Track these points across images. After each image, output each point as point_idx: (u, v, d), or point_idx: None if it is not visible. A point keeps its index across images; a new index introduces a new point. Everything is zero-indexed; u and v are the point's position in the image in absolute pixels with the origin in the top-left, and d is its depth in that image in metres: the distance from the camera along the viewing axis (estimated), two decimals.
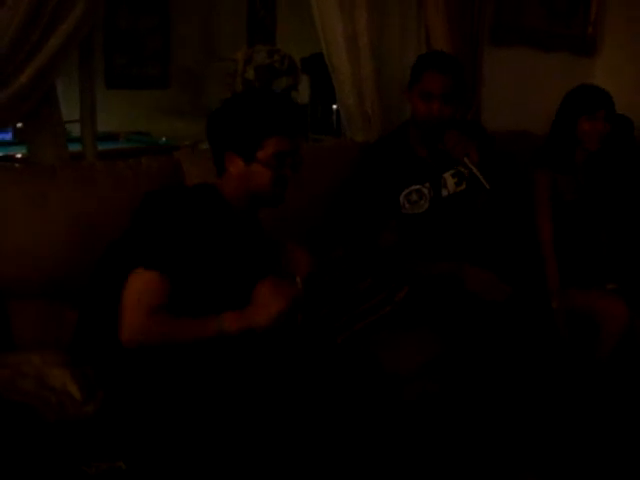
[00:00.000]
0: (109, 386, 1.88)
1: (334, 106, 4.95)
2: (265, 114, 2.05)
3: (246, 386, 1.90)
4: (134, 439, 1.74)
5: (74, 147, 3.00)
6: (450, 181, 2.82)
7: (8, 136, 4.83)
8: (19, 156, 4.05)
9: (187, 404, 1.85)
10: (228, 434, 1.81)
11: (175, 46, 7.28)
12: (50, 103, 2.68)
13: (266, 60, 3.91)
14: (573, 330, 2.71)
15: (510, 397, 2.47)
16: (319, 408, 1.92)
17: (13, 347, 2.09)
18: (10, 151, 4.23)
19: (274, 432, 1.84)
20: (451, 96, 2.72)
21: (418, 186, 2.78)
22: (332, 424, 1.93)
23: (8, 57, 2.40)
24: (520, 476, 2.45)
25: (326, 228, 2.97)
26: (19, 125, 2.94)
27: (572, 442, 2.54)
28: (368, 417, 2.03)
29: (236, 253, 2.03)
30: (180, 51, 7.25)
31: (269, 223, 2.79)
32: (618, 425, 2.65)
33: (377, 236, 2.77)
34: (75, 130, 3.43)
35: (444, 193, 2.81)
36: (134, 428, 1.77)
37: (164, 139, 5.88)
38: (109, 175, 2.57)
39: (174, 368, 1.89)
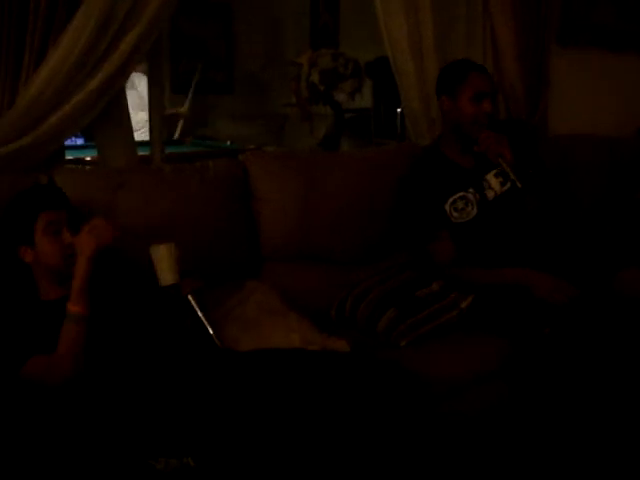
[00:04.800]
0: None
1: (398, 110, 4.93)
2: None
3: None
4: (203, 436, 1.76)
5: (142, 151, 3.05)
6: (494, 181, 2.78)
7: (80, 141, 4.95)
8: (88, 159, 4.14)
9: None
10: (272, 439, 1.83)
11: (239, 51, 7.37)
12: (119, 107, 2.73)
13: (330, 64, 3.93)
14: None
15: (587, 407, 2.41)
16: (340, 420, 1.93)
17: None
18: (80, 154, 4.32)
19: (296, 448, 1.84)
20: (496, 95, 2.77)
21: (461, 193, 2.76)
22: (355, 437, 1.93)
23: (80, 63, 2.46)
24: None
25: (389, 232, 2.96)
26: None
27: None
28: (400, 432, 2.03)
29: None
30: (244, 56, 7.33)
31: (332, 225, 2.83)
32: None
33: (430, 250, 2.75)
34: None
35: (490, 195, 2.78)
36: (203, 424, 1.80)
37: (229, 143, 5.94)
38: (177, 178, 2.60)
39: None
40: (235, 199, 2.72)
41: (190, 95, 6.23)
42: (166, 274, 2.14)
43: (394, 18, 3.20)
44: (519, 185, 2.62)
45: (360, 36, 5.66)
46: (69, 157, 3.58)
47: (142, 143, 3.18)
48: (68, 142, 3.53)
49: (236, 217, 2.71)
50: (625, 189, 3.45)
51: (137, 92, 5.16)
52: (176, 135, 5.98)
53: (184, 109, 6.11)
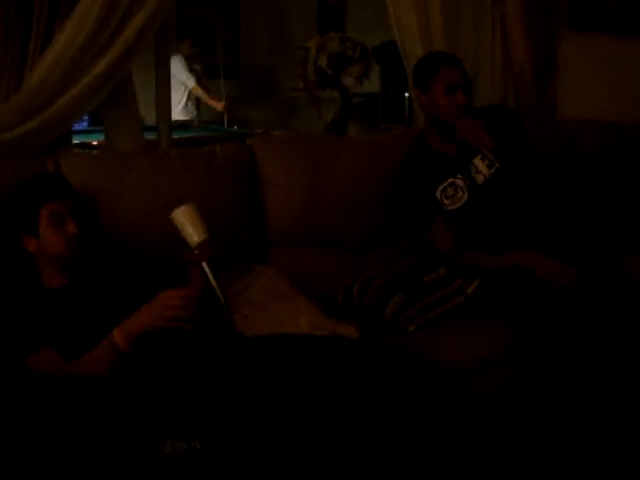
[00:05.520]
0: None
1: (406, 94, 4.90)
2: None
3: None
4: (210, 420, 1.76)
5: (149, 135, 3.04)
6: (481, 165, 2.78)
7: (84, 125, 4.95)
8: (95, 143, 4.14)
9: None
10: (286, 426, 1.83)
11: (245, 36, 7.34)
12: (126, 91, 2.72)
13: (338, 48, 3.90)
14: None
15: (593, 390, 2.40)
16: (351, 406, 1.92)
17: None
18: (87, 139, 4.31)
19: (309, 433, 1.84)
20: (469, 85, 2.78)
21: (450, 179, 2.76)
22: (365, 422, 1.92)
23: (87, 46, 2.45)
24: None
25: (394, 218, 2.96)
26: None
27: None
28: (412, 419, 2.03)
29: None
30: (250, 40, 7.31)
31: (339, 209, 2.82)
32: None
33: (428, 237, 2.75)
34: (149, 118, 3.50)
35: (479, 179, 2.78)
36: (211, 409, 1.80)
37: (236, 127, 5.94)
38: (184, 163, 2.60)
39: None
40: (242, 183, 2.71)
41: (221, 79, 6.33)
42: (192, 235, 2.09)
43: (403, 2, 3.18)
44: (497, 165, 2.66)
45: (367, 20, 5.64)
46: (76, 141, 3.58)
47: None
48: (75, 126, 3.54)
49: (243, 201, 2.71)
50: (631, 174, 3.44)
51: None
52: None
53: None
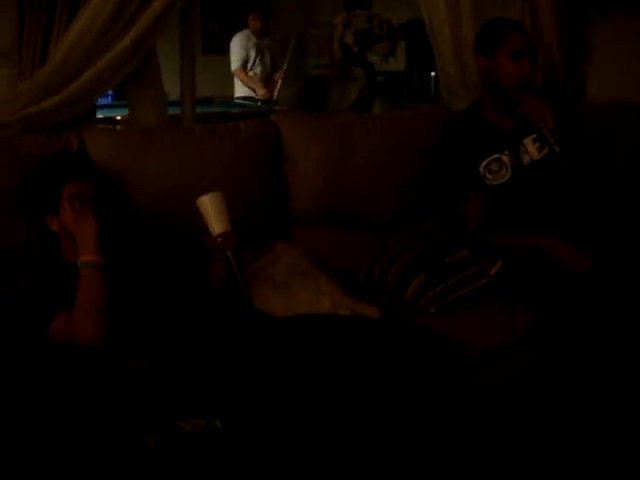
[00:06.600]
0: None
1: (432, 73, 4.85)
2: None
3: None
4: (231, 398, 1.77)
5: (173, 110, 3.03)
6: (531, 147, 2.73)
7: (107, 100, 4.95)
8: (119, 118, 4.14)
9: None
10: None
11: (272, 11, 7.29)
12: (151, 66, 2.71)
13: (365, 25, 3.87)
14: None
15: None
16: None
17: None
18: (110, 113, 4.31)
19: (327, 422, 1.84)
20: (536, 52, 2.72)
21: (497, 155, 2.72)
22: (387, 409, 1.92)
23: (112, 20, 2.43)
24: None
25: (420, 198, 2.94)
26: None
27: None
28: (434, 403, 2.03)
29: None
30: (277, 16, 7.26)
31: (363, 189, 2.81)
32: None
33: (459, 212, 2.74)
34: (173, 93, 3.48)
35: (526, 159, 2.74)
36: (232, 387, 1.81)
37: (259, 103, 5.91)
38: (208, 139, 2.59)
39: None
40: (266, 161, 2.70)
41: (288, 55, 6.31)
42: (214, 224, 2.14)
43: None
44: (557, 150, 2.57)
45: None
46: (99, 116, 3.58)
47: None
48: (99, 101, 3.54)
49: (267, 179, 2.70)
50: None
51: None
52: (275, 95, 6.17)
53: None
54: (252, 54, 6.35)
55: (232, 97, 6.41)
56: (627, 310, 2.39)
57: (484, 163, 2.72)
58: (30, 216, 2.18)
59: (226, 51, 6.45)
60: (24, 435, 1.64)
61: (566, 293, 2.44)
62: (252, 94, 6.27)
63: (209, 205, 2.14)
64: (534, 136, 2.71)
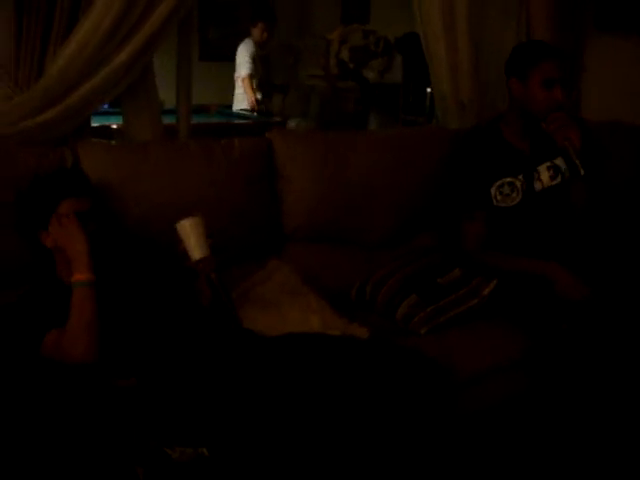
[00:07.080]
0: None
1: (428, 89, 4.86)
2: None
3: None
4: (218, 427, 1.77)
5: (168, 119, 3.03)
6: (545, 174, 2.74)
7: (104, 106, 4.92)
8: (114, 127, 4.12)
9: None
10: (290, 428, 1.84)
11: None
12: (146, 76, 2.71)
13: (361, 41, 3.87)
14: None
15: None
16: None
17: None
18: (106, 121, 4.30)
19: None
20: (568, 82, 2.70)
21: (511, 178, 2.72)
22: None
23: (109, 35, 2.44)
24: None
25: (414, 214, 2.94)
26: None
27: None
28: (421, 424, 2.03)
29: None
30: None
31: (357, 207, 2.81)
32: None
33: (463, 229, 2.74)
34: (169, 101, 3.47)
35: (537, 187, 2.74)
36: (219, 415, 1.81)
37: (255, 114, 5.91)
38: (202, 155, 2.59)
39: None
40: (259, 177, 2.70)
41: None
42: (194, 250, 2.12)
43: (428, 1, 3.15)
44: (582, 172, 2.54)
45: (392, 10, 5.58)
46: (95, 124, 3.57)
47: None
48: None
49: (260, 195, 2.70)
50: None
51: None
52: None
53: None
54: (257, 64, 6.32)
55: (227, 105, 6.39)
56: (620, 338, 2.40)
57: (497, 184, 2.71)
58: (24, 233, 2.18)
59: (223, 59, 6.43)
60: (6, 461, 1.64)
61: (559, 318, 2.45)
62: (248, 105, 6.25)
63: (189, 230, 2.12)
64: (548, 164, 2.72)
